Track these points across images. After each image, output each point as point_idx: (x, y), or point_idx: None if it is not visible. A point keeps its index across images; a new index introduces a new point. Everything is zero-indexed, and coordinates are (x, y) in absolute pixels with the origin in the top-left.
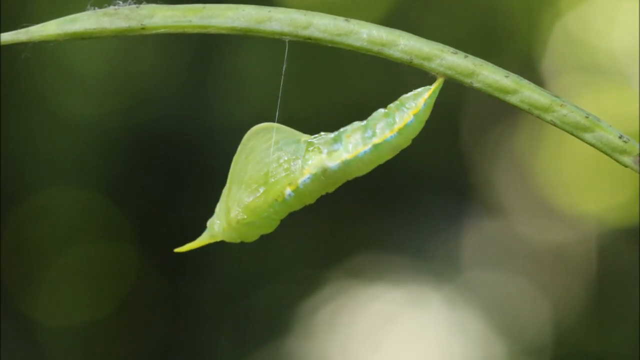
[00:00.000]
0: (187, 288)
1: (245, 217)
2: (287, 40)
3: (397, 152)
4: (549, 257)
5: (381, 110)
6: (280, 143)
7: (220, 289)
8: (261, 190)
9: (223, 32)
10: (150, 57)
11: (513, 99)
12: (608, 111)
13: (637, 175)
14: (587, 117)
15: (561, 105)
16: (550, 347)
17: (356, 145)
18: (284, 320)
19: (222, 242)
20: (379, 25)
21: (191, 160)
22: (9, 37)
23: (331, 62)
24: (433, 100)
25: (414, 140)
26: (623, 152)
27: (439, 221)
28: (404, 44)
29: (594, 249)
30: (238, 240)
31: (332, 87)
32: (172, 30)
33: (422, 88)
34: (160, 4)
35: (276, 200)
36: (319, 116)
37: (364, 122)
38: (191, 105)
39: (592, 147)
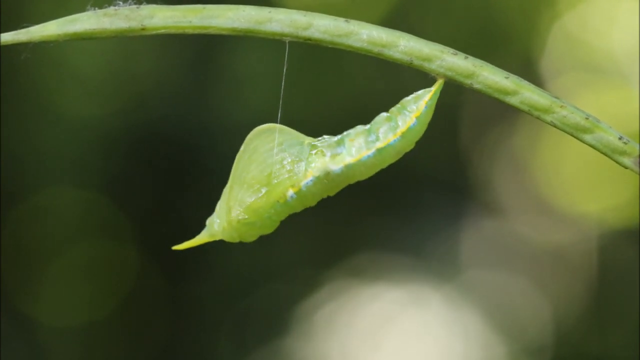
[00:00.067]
0: (187, 288)
1: (246, 217)
2: (287, 41)
3: (400, 155)
4: (549, 257)
5: (384, 114)
6: (283, 145)
7: (220, 289)
8: (263, 190)
9: (223, 32)
10: (150, 57)
11: (513, 100)
12: (608, 111)
13: (637, 176)
14: (587, 119)
15: (561, 107)
16: (550, 347)
17: (360, 149)
18: (283, 320)
19: (222, 242)
20: (379, 26)
21: (191, 160)
22: (9, 37)
23: (331, 63)
24: (434, 102)
25: (416, 142)
26: (623, 153)
27: (439, 221)
28: (404, 45)
29: (594, 249)
30: (237, 240)
31: (332, 88)
32: (173, 31)
33: (423, 90)
34: (161, 4)
35: (278, 201)
36: (318, 117)
37: (368, 126)
38: (191, 105)
39: (592, 148)
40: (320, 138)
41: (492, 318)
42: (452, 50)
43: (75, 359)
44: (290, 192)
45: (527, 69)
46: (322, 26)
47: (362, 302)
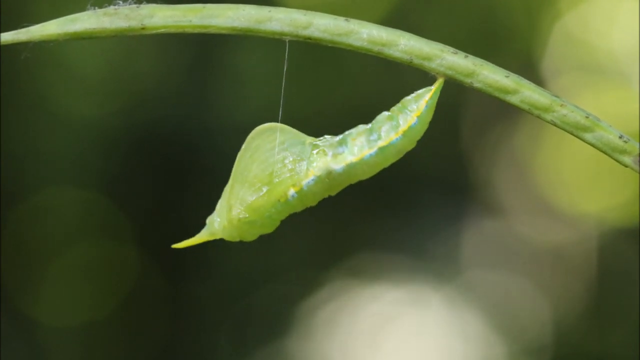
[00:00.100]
0: (187, 288)
1: (247, 215)
2: (287, 40)
3: (401, 155)
4: (549, 257)
5: (385, 113)
6: (285, 144)
7: (220, 289)
8: (264, 189)
9: (223, 32)
10: (150, 57)
11: (513, 99)
12: (608, 111)
13: (637, 175)
14: (587, 117)
15: (561, 105)
16: (550, 347)
17: (362, 148)
18: (283, 320)
19: (222, 242)
20: (379, 25)
21: (191, 160)
22: (9, 37)
23: (331, 62)
24: (435, 101)
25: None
26: (623, 152)
27: (439, 221)
28: (404, 44)
29: (594, 248)
30: (237, 239)
31: (332, 87)
32: (172, 30)
33: (423, 89)
34: (161, 3)
35: (279, 200)
36: (318, 116)
37: (369, 125)
38: (191, 105)
39: (592, 147)
40: (321, 138)
41: (492, 318)
42: (452, 49)
43: (75, 359)
44: (292, 191)
45: (528, 68)
46: (322, 25)
47: (362, 303)
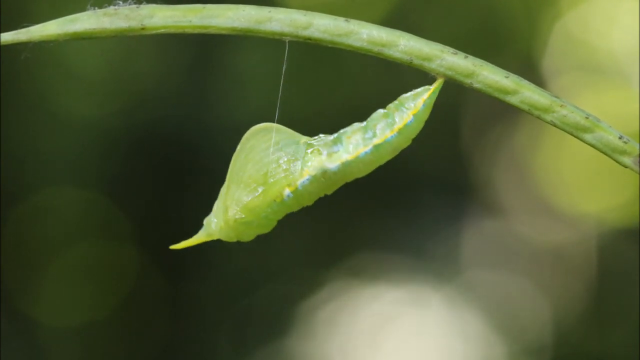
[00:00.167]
0: (187, 288)
1: (243, 216)
2: (287, 41)
3: (397, 152)
4: (549, 257)
5: (381, 111)
6: (280, 144)
7: (220, 289)
8: (260, 190)
9: (223, 32)
10: (150, 57)
11: (513, 100)
12: (608, 111)
13: (637, 175)
14: (587, 118)
15: (561, 106)
16: (550, 347)
17: (357, 146)
18: (284, 320)
19: (222, 242)
20: (379, 26)
21: (191, 160)
22: (9, 37)
23: (331, 63)
24: (432, 101)
25: (414, 140)
26: (623, 152)
27: (439, 221)
28: (404, 45)
29: (594, 249)
30: (234, 239)
31: (332, 88)
32: (172, 31)
33: (422, 88)
34: (161, 4)
35: (274, 200)
36: (318, 116)
37: (364, 123)
38: (191, 105)
39: (592, 148)
40: (316, 137)
41: (492, 318)
42: (452, 50)
43: (75, 359)
44: (287, 191)
45: (528, 68)
46: (322, 26)
47: (362, 303)
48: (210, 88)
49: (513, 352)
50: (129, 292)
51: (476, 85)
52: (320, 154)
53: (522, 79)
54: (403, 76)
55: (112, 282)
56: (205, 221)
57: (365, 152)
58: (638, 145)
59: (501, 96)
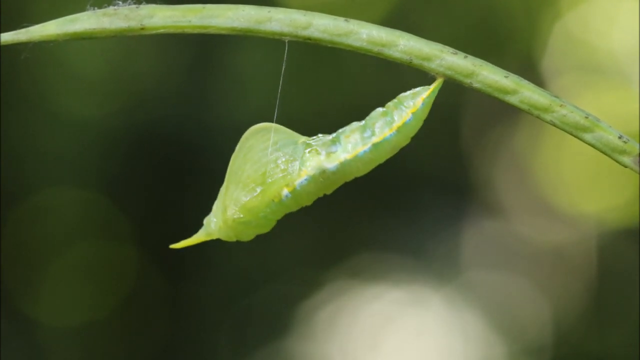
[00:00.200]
0: (187, 288)
1: (242, 216)
2: (286, 41)
3: (396, 151)
4: (549, 257)
5: (379, 109)
6: (278, 144)
7: (220, 289)
8: (258, 190)
9: (223, 32)
10: (150, 57)
11: (513, 100)
12: (608, 111)
13: (637, 175)
14: (586, 118)
15: (561, 106)
16: (550, 347)
17: (355, 145)
18: (283, 321)
19: (222, 242)
20: (378, 26)
21: (191, 160)
22: (9, 37)
23: (331, 63)
24: (432, 100)
25: (413, 139)
26: (623, 152)
27: (439, 221)
28: (403, 45)
29: (594, 249)
30: (234, 239)
31: (331, 88)
32: (172, 31)
33: (421, 87)
34: (160, 4)
35: (273, 200)
36: (318, 116)
37: (362, 122)
38: (191, 105)
39: (592, 148)
40: (315, 137)
41: (492, 318)
42: (451, 50)
43: (75, 359)
44: (285, 191)
45: (528, 68)
46: (322, 25)
47: (362, 303)
48: (210, 88)
49: (513, 352)
50: (129, 292)
51: (476, 85)
52: (318, 154)
53: (522, 78)
54: (403, 76)
55: (112, 282)
56: (205, 221)
57: (364, 151)
58: (638, 144)
59: (501, 96)
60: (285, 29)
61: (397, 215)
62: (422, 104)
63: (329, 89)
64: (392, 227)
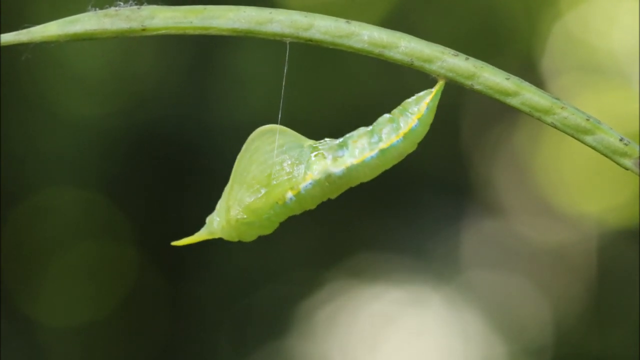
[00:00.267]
0: (187, 288)
1: (245, 216)
2: (288, 42)
3: (402, 157)
4: (549, 257)
5: (386, 116)
6: (285, 146)
7: (221, 289)
8: (263, 191)
9: (224, 33)
10: (150, 57)
11: (514, 101)
12: (608, 111)
13: (638, 177)
14: (587, 120)
15: (562, 108)
16: (550, 347)
17: (363, 150)
18: (283, 320)
19: (222, 242)
20: (380, 27)
21: (191, 160)
22: (10, 37)
23: (332, 64)
24: (435, 103)
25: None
26: (624, 154)
27: (439, 221)
28: (404, 46)
29: (594, 249)
30: (236, 239)
31: (332, 89)
32: (173, 32)
33: (424, 92)
34: (161, 5)
35: (277, 203)
36: (319, 118)
37: (370, 127)
38: (191, 105)
39: (592, 149)
40: (321, 141)
41: (492, 318)
42: (452, 52)
43: (75, 359)
44: (290, 194)
45: (528, 68)
46: (323, 27)
47: (362, 303)
48: (210, 88)
49: (513, 352)
50: (129, 292)
51: (477, 87)
52: (324, 158)
53: (523, 80)
54: (404, 77)
55: (112, 282)
56: (208, 219)
57: (372, 157)
58: (638, 147)
59: (502, 98)
60: (287, 31)
61: (397, 215)
62: (427, 108)
63: (329, 90)
64: (392, 227)
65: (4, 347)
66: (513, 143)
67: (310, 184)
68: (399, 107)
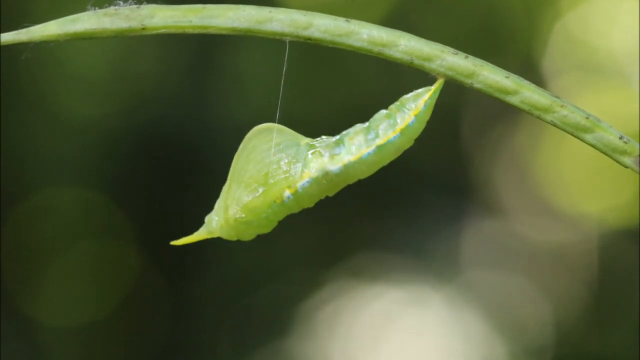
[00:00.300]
0: (187, 288)
1: (243, 215)
2: (287, 41)
3: (399, 153)
4: (550, 257)
5: (383, 112)
6: (281, 145)
7: (221, 289)
8: (260, 190)
9: (223, 32)
10: (150, 57)
11: (513, 100)
12: (608, 111)
13: (638, 175)
14: (587, 118)
15: (561, 106)
16: (550, 347)
17: (359, 147)
18: (284, 320)
19: (222, 242)
20: (379, 26)
21: (191, 160)
22: (9, 37)
23: (331, 63)
24: (434, 101)
25: (415, 140)
26: (623, 152)
27: (439, 221)
28: (404, 45)
29: (595, 249)
30: (235, 238)
31: (332, 88)
32: (173, 31)
33: (423, 89)
34: (161, 4)
35: (275, 201)
36: (319, 117)
37: (366, 124)
38: (191, 105)
39: (592, 148)
40: (318, 138)
41: (492, 318)
42: (452, 50)
43: (75, 359)
44: (287, 192)
45: (528, 68)
46: (323, 26)
47: (362, 303)
48: (210, 88)
49: (513, 352)
50: (129, 292)
51: (477, 85)
52: (321, 155)
53: (523, 79)
54: (403, 76)
55: (112, 282)
56: (207, 219)
57: (368, 153)
58: (638, 145)
59: (501, 96)
60: (286, 29)
61: (397, 215)
62: (425, 105)
63: (329, 89)
64: (392, 227)
65: (4, 347)
66: (513, 143)
67: (307, 182)
68: (397, 103)
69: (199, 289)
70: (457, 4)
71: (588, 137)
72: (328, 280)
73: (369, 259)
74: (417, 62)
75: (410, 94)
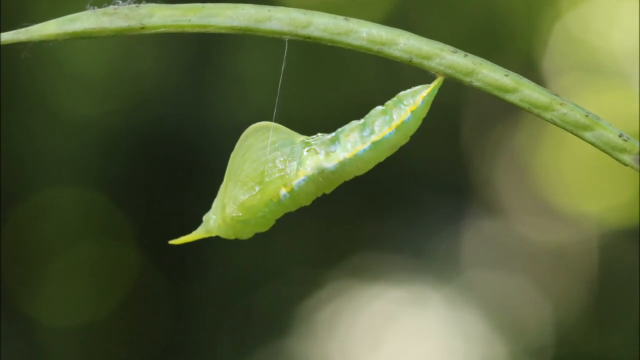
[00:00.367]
0: (187, 288)
1: (240, 214)
2: (286, 40)
3: (395, 149)
4: (550, 257)
5: (379, 108)
6: (277, 143)
7: (221, 289)
8: (257, 189)
9: (222, 31)
10: (149, 56)
11: (513, 98)
12: (608, 111)
13: (637, 174)
14: (586, 116)
15: (561, 104)
16: (550, 347)
17: (355, 144)
18: (284, 320)
19: (222, 242)
20: (378, 24)
21: (191, 160)
22: (8, 36)
23: (331, 62)
24: (431, 99)
25: (413, 139)
26: (623, 150)
27: (439, 221)
28: (403, 43)
29: (595, 249)
30: (233, 237)
31: (331, 87)
32: (172, 30)
33: (421, 86)
34: (160, 3)
35: (271, 200)
36: (318, 115)
37: (362, 120)
38: (191, 105)
39: (592, 147)
40: (314, 136)
41: (492, 318)
42: (451, 48)
43: (75, 359)
44: (283, 191)
45: (528, 68)
46: (322, 24)
47: (362, 303)
48: (210, 88)
49: (513, 352)
50: (129, 292)
51: (476, 83)
52: (317, 153)
53: (522, 77)
54: (403, 75)
55: (113, 282)
56: (205, 217)
57: (364, 150)
58: (638, 143)
59: (501, 94)
60: (285, 28)
61: (397, 215)
62: (422, 102)
63: (328, 88)
64: (392, 227)
65: (4, 347)
66: (513, 143)
67: (303, 180)
68: (393, 99)
69: (199, 289)
70: (457, 4)
71: (587, 135)
72: (328, 280)
73: (369, 259)
74: (416, 60)
75: (407, 91)
